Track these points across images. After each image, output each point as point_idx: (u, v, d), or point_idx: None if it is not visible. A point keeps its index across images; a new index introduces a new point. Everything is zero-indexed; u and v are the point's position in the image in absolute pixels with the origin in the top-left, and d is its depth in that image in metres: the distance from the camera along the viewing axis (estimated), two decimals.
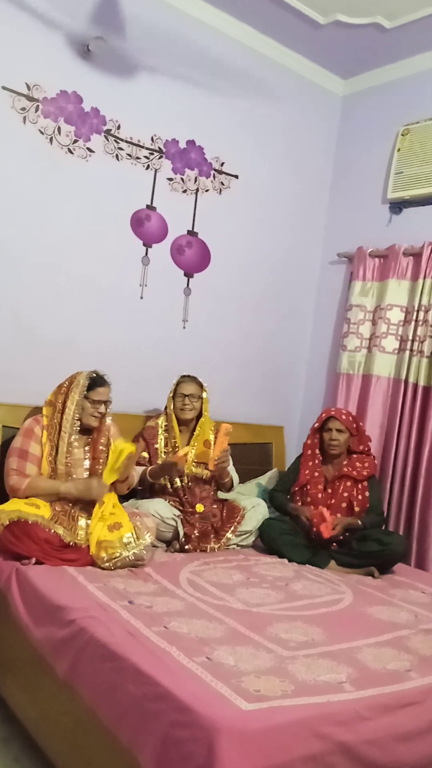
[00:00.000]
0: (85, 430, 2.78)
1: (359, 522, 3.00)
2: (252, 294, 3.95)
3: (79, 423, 2.71)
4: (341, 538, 3.04)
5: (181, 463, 3.02)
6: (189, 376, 3.25)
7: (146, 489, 3.11)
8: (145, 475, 3.05)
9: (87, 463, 2.75)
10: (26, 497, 2.59)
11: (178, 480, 3.09)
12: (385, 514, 3.39)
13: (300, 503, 3.16)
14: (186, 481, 3.09)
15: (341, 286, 4.10)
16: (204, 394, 3.23)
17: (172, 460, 2.99)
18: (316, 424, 3.25)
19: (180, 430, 3.20)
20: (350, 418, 3.22)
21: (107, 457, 2.74)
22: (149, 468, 3.07)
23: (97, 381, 2.73)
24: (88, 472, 2.74)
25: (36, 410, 2.91)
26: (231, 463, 3.36)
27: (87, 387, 2.71)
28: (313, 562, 2.92)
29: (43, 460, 2.67)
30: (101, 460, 2.75)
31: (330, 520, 2.93)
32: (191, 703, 1.52)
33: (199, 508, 3.04)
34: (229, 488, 3.24)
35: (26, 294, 3.10)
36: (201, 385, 3.24)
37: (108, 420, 2.83)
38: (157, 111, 3.43)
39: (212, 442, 3.25)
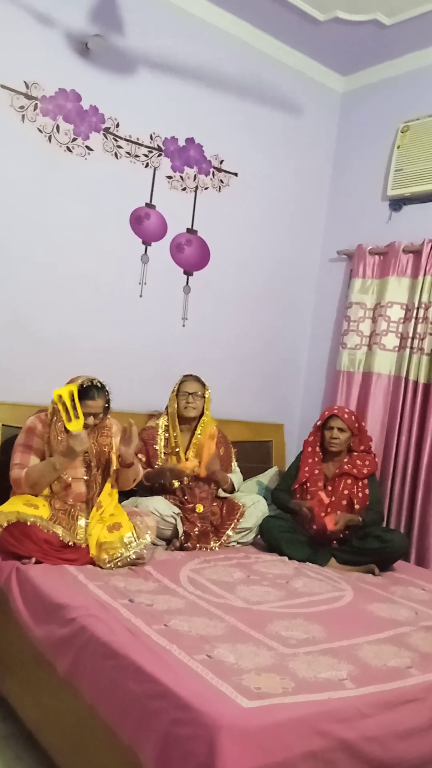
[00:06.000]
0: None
1: (360, 519, 3.01)
2: (252, 292, 3.95)
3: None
4: (342, 536, 3.04)
5: (184, 473, 3.00)
6: (191, 375, 3.25)
7: (146, 489, 3.10)
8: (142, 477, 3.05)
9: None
10: (29, 486, 2.58)
11: (176, 481, 3.08)
12: (385, 511, 3.39)
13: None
14: (186, 481, 3.09)
15: (341, 283, 4.10)
16: (207, 394, 3.23)
17: (179, 468, 2.97)
18: (319, 422, 3.26)
19: (181, 430, 3.19)
20: (352, 417, 3.22)
21: (108, 457, 2.74)
22: (146, 471, 3.07)
23: (86, 393, 2.62)
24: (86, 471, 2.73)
25: (35, 409, 2.90)
26: (234, 460, 3.36)
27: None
28: (313, 560, 2.92)
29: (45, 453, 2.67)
30: (102, 460, 2.75)
31: (327, 502, 2.96)
32: (192, 701, 1.52)
33: (199, 508, 3.03)
34: (231, 491, 3.23)
35: (25, 292, 3.10)
36: (203, 384, 3.24)
37: (112, 425, 2.83)
38: (156, 109, 3.42)
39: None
